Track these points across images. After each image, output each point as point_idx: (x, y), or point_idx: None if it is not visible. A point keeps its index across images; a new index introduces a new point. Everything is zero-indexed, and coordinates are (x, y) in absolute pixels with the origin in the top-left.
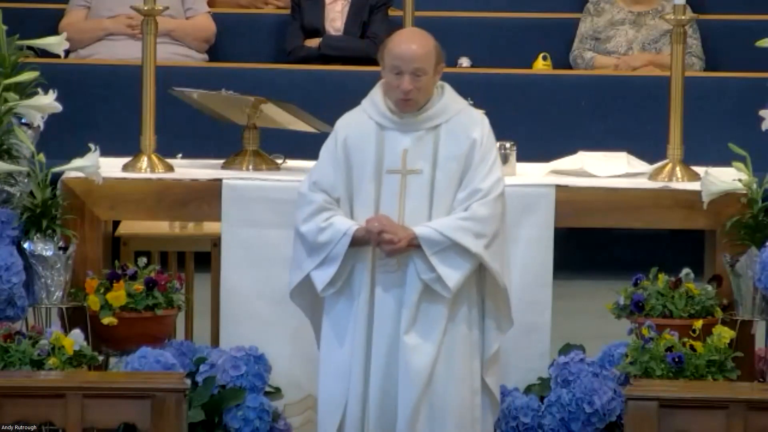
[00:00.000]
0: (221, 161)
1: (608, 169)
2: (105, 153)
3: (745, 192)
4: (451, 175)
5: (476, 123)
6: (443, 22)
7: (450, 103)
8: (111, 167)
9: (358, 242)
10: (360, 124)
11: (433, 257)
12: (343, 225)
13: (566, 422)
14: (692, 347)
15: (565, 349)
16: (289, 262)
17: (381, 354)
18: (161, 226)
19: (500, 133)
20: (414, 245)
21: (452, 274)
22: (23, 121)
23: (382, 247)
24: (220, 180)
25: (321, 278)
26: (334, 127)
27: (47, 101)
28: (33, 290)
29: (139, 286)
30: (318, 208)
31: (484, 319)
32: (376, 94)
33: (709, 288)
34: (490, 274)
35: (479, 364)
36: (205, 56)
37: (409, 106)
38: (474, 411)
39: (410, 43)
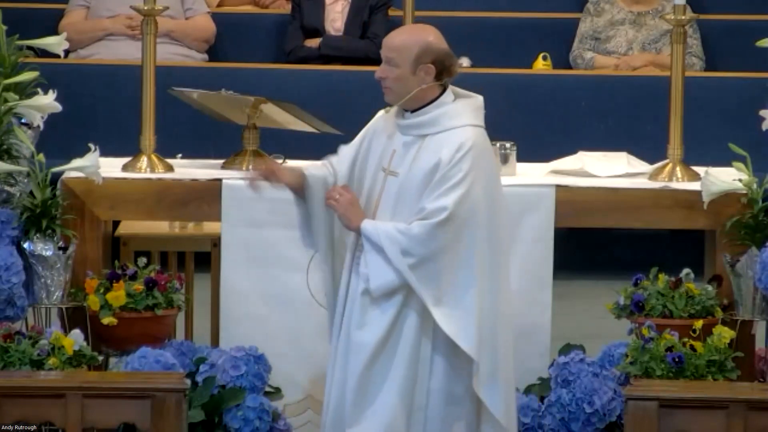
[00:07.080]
0: (221, 161)
1: (608, 169)
2: (105, 153)
3: (745, 192)
4: (416, 185)
5: (454, 144)
6: (443, 22)
7: (445, 118)
8: (111, 167)
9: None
10: (387, 120)
11: (365, 253)
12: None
13: (566, 422)
14: (692, 347)
15: (565, 349)
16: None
17: (341, 352)
18: (161, 226)
19: (500, 133)
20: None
21: (375, 277)
22: (23, 121)
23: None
24: (220, 180)
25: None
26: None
27: (47, 101)
28: (33, 290)
29: (139, 286)
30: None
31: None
32: None
33: (709, 288)
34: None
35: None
36: (205, 56)
37: (386, 94)
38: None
39: (398, 32)
